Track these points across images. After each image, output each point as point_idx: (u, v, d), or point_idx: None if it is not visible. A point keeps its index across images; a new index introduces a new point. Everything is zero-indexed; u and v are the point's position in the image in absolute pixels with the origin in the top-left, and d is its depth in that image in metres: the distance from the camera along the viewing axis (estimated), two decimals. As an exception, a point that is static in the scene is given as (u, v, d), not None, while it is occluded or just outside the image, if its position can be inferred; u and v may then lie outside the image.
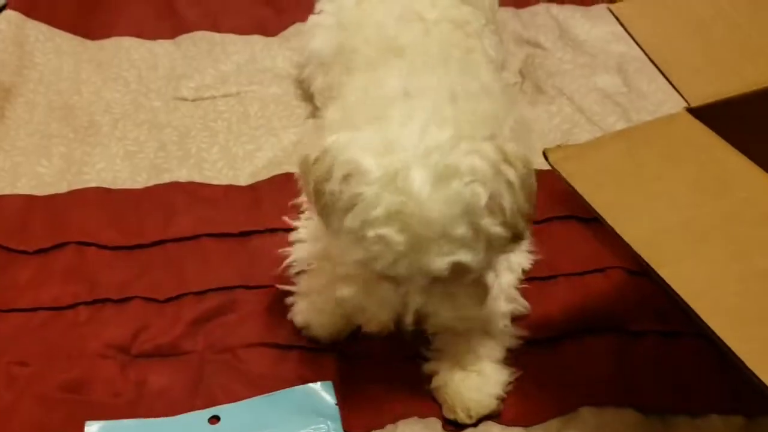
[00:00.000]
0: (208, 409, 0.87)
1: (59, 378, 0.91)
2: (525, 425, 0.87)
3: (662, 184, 0.75)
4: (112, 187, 1.15)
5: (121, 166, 1.18)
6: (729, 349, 0.59)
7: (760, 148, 0.77)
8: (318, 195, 0.79)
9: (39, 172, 1.18)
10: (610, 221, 0.71)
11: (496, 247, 0.78)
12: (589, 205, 0.73)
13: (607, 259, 1.02)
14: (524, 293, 0.98)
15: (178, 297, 1.00)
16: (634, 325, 0.95)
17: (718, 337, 0.60)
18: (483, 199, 0.73)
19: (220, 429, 0.84)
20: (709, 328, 0.62)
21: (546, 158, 0.78)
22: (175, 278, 1.03)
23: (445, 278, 0.76)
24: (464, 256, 0.74)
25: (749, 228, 0.69)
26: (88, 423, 0.84)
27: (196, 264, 1.04)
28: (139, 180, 1.16)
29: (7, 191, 1.15)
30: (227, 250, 1.05)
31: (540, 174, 1.12)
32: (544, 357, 0.93)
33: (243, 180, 1.16)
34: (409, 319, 0.80)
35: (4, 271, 1.04)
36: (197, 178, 1.16)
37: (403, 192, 0.71)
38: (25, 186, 1.16)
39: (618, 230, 0.70)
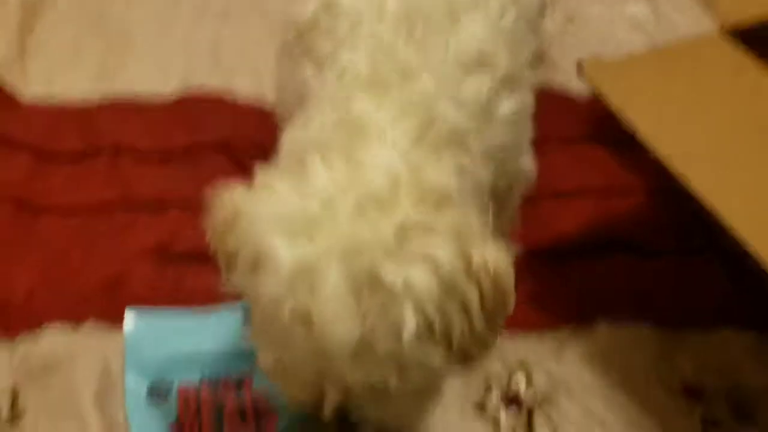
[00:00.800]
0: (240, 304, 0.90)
1: (98, 273, 0.95)
2: (538, 331, 0.90)
3: (695, 102, 0.77)
4: (144, 96, 1.17)
5: (152, 77, 1.20)
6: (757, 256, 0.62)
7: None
8: (225, 267, 0.66)
9: (72, 80, 1.20)
10: (643, 135, 0.73)
11: (437, 371, 0.63)
12: (622, 120, 0.75)
13: (631, 182, 1.05)
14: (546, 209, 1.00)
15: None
16: (653, 245, 0.98)
17: (746, 242, 0.63)
18: (410, 326, 0.57)
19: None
20: (737, 233, 0.64)
21: (580, 72, 0.79)
22: (208, 185, 1.05)
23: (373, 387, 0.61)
24: (381, 380, 0.60)
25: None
26: (128, 308, 0.88)
27: (229, 173, 1.07)
28: (170, 87, 1.18)
29: (41, 101, 1.17)
30: (257, 157, 1.07)
31: (569, 99, 1.18)
32: (561, 270, 0.96)
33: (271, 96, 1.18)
34: (327, 413, 0.64)
35: (39, 175, 1.07)
36: (224, 93, 1.18)
37: (312, 297, 0.56)
38: (58, 95, 1.18)
39: (650, 145, 0.72)
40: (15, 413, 0.82)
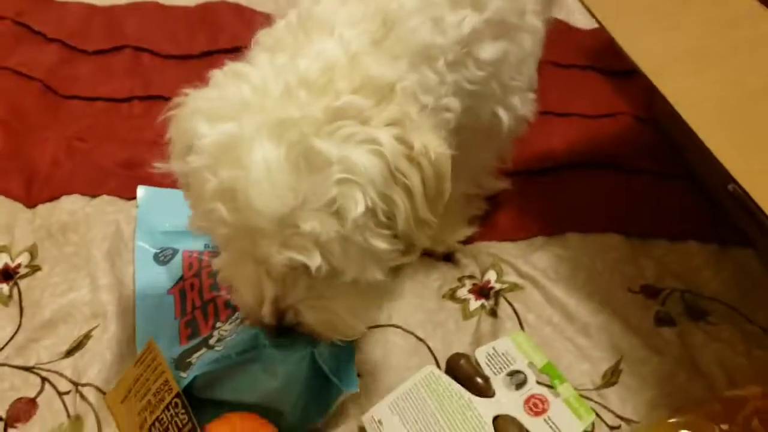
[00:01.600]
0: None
1: (115, 155, 1.03)
2: (513, 240, 0.96)
3: (677, 18, 0.82)
4: (167, 2, 1.24)
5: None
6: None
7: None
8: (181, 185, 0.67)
9: (100, -16, 1.27)
10: (622, 45, 0.78)
11: (379, 259, 0.63)
12: (606, 31, 0.80)
13: (619, 107, 1.11)
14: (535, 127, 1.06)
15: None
16: (632, 165, 1.04)
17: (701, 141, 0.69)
18: (358, 208, 0.57)
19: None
20: (697, 135, 0.70)
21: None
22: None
23: (307, 272, 0.60)
24: (306, 259, 0.58)
25: (749, 57, 0.76)
26: (140, 187, 0.96)
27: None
28: (193, 2, 1.25)
29: (73, 1, 1.25)
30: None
31: (566, 28, 1.23)
32: (542, 185, 1.02)
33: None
34: (265, 309, 0.64)
35: (66, 65, 1.15)
36: (243, 3, 1.25)
37: (239, 167, 0.57)
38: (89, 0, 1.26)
39: (629, 52, 0.77)
40: (33, 266, 0.90)
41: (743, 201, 0.66)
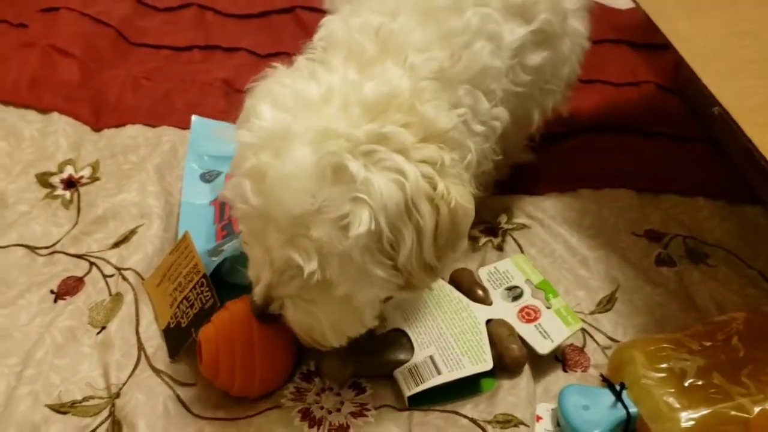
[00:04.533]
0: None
1: (175, 93, 1.14)
2: (531, 194, 1.01)
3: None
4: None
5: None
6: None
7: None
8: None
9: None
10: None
11: (374, 285, 0.65)
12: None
13: (644, 76, 1.16)
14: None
15: (276, 54, 1.21)
16: (650, 128, 1.09)
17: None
18: (361, 227, 0.59)
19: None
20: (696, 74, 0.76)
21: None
22: (274, 41, 1.24)
23: (300, 276, 0.63)
24: (303, 262, 0.62)
25: (745, 5, 0.82)
26: (194, 116, 1.06)
27: (293, 31, 1.25)
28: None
29: (148, -37, 1.38)
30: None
31: (601, 8, 1.29)
32: (562, 147, 1.07)
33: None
34: (256, 292, 0.69)
35: (139, 17, 1.29)
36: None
37: (277, 157, 0.61)
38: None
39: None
40: (93, 178, 1.01)
41: (719, 123, 0.72)
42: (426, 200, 0.61)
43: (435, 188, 0.61)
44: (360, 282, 0.64)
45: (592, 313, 0.86)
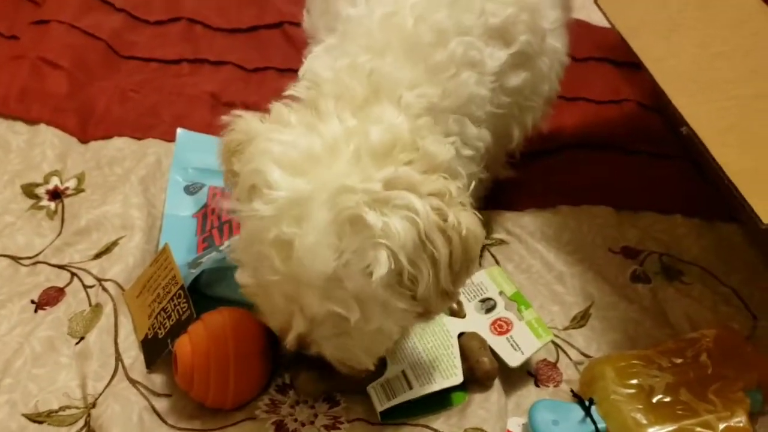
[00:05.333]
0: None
1: (163, 106, 1.15)
2: (510, 210, 1.02)
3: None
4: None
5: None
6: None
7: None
8: (227, 185, 0.73)
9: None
10: (605, 9, 0.86)
11: (398, 318, 0.68)
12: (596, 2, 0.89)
13: (626, 94, 1.18)
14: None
15: (264, 68, 1.23)
16: (630, 146, 1.10)
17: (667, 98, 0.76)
18: (382, 269, 0.62)
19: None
20: (663, 92, 0.78)
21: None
22: (262, 55, 1.25)
23: (334, 320, 0.67)
24: (345, 312, 0.64)
25: (718, 28, 0.83)
26: (179, 128, 1.07)
27: (280, 46, 1.26)
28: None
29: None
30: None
31: (586, 26, 1.31)
32: (543, 163, 1.08)
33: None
34: (288, 340, 0.70)
35: (129, 31, 1.30)
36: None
37: (297, 227, 0.62)
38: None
39: (609, 16, 0.85)
40: (78, 189, 1.02)
41: (693, 141, 0.73)
42: (438, 232, 0.64)
43: (445, 219, 0.64)
44: (386, 315, 0.67)
45: (566, 328, 0.87)
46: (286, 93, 0.73)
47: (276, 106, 0.70)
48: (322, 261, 0.61)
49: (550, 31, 0.86)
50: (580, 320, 0.88)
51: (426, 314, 0.69)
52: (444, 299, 0.68)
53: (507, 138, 0.89)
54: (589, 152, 1.10)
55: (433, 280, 0.65)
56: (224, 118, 0.72)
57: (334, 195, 0.61)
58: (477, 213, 0.67)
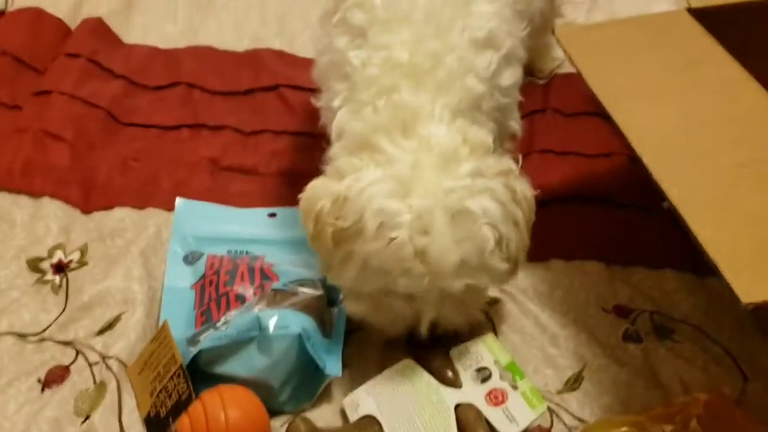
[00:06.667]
0: (268, 208, 1.11)
1: (163, 174, 1.18)
2: None
3: (643, 61, 0.92)
4: (220, 47, 1.42)
5: (229, 33, 1.44)
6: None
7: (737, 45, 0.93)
8: (337, 242, 0.80)
9: (165, 31, 1.47)
10: (587, 78, 0.89)
11: (499, 277, 0.85)
12: (576, 68, 0.91)
13: (615, 147, 1.19)
14: (535, 165, 1.16)
15: (260, 131, 1.25)
16: (620, 198, 1.12)
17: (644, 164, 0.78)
18: (492, 241, 0.79)
19: (276, 222, 1.09)
20: (643, 162, 0.80)
21: (553, 33, 0.96)
22: (259, 118, 1.28)
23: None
24: (475, 282, 0.81)
25: (701, 95, 0.85)
26: (178, 198, 1.10)
27: (276, 108, 1.29)
28: (242, 45, 1.42)
29: (138, 42, 1.44)
30: (303, 101, 1.29)
31: (575, 79, 1.33)
32: (536, 215, 1.08)
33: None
34: (424, 330, 0.84)
35: (128, 97, 1.33)
36: (287, 50, 1.41)
37: (428, 233, 0.76)
38: (152, 40, 1.45)
39: (591, 85, 0.88)
40: (81, 261, 1.05)
41: (675, 216, 0.75)
42: (514, 203, 0.82)
43: (514, 191, 0.82)
44: (493, 275, 0.83)
45: (559, 392, 0.89)
46: (333, 153, 0.87)
47: (341, 162, 0.83)
48: (452, 253, 0.77)
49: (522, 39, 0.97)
50: (573, 383, 0.90)
51: (515, 268, 0.85)
52: (525, 252, 0.85)
53: (506, 133, 1.00)
54: (580, 206, 1.12)
55: (519, 239, 0.82)
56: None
57: (441, 199, 0.77)
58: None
